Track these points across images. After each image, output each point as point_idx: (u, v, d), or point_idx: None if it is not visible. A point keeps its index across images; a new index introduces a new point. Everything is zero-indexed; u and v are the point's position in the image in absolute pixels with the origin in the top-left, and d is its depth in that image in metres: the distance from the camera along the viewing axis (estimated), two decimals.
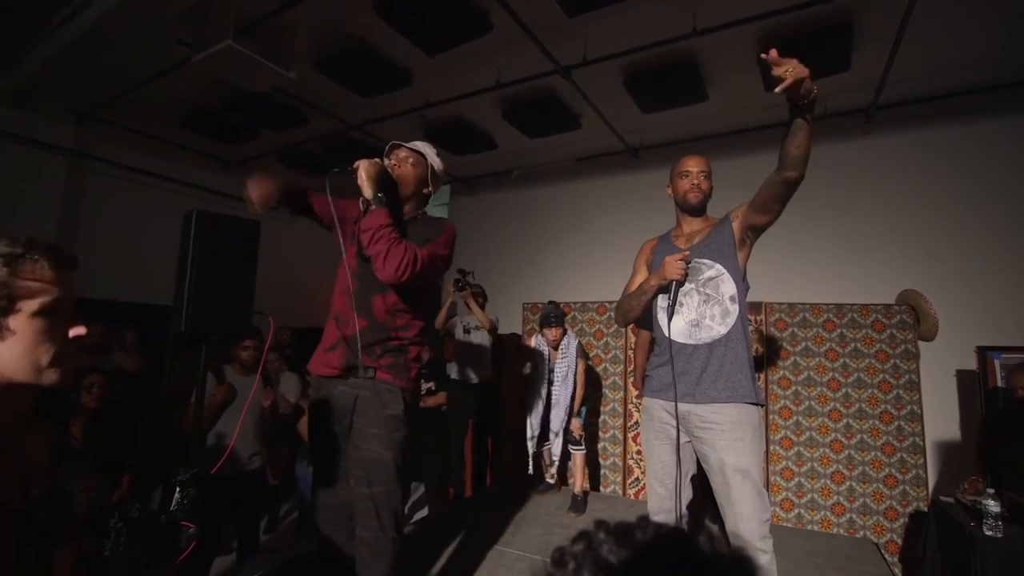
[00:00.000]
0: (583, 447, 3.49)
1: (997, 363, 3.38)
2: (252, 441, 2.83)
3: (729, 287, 1.83)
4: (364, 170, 1.63)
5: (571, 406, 3.46)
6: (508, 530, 2.97)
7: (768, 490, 3.54)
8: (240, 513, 2.85)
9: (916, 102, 3.64)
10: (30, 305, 0.75)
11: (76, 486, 2.52)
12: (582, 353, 3.54)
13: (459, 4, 2.82)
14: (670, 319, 1.88)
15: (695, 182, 1.94)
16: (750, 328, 1.99)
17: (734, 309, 1.82)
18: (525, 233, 5.61)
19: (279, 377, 3.34)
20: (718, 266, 1.85)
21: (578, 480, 3.46)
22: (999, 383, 3.33)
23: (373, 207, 1.64)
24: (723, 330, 1.81)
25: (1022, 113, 3.62)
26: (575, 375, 3.46)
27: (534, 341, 3.68)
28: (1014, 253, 3.60)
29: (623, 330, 4.23)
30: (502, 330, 4.38)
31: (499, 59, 3.36)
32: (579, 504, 3.33)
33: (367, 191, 1.64)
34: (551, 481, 3.68)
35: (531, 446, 3.57)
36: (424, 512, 4.09)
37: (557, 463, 3.53)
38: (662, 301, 1.93)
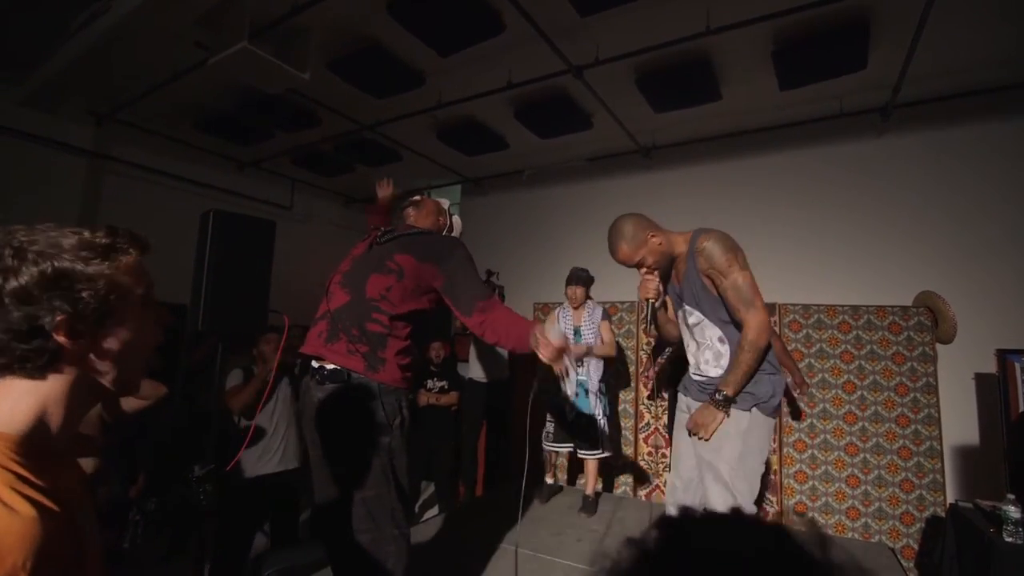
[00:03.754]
0: (600, 451, 3.37)
1: (1017, 366, 3.30)
2: (288, 439, 2.88)
3: (713, 331, 1.86)
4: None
5: (604, 369, 3.36)
6: (518, 530, 2.96)
7: (780, 493, 3.50)
8: (276, 514, 2.89)
9: (933, 101, 3.58)
10: (132, 299, 0.69)
11: (98, 479, 2.57)
12: (606, 316, 3.45)
13: (472, 4, 2.83)
14: (648, 331, 2.03)
15: (646, 277, 1.91)
16: None
17: (725, 350, 1.85)
18: (536, 233, 5.60)
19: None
20: (697, 313, 1.88)
21: (590, 483, 3.41)
22: (1020, 386, 3.26)
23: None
24: (717, 372, 1.86)
25: None
26: (600, 334, 3.35)
27: (557, 312, 3.59)
28: None
29: (634, 331, 4.22)
30: None
31: (511, 59, 3.36)
32: (590, 505, 3.31)
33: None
34: (550, 482, 3.62)
35: (545, 443, 3.51)
36: (435, 511, 4.10)
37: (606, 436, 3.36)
38: (690, 318, 1.93)
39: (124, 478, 2.89)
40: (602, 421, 3.33)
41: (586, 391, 3.34)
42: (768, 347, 1.76)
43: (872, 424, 3.38)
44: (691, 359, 1.98)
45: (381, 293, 1.70)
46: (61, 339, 0.62)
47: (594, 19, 2.93)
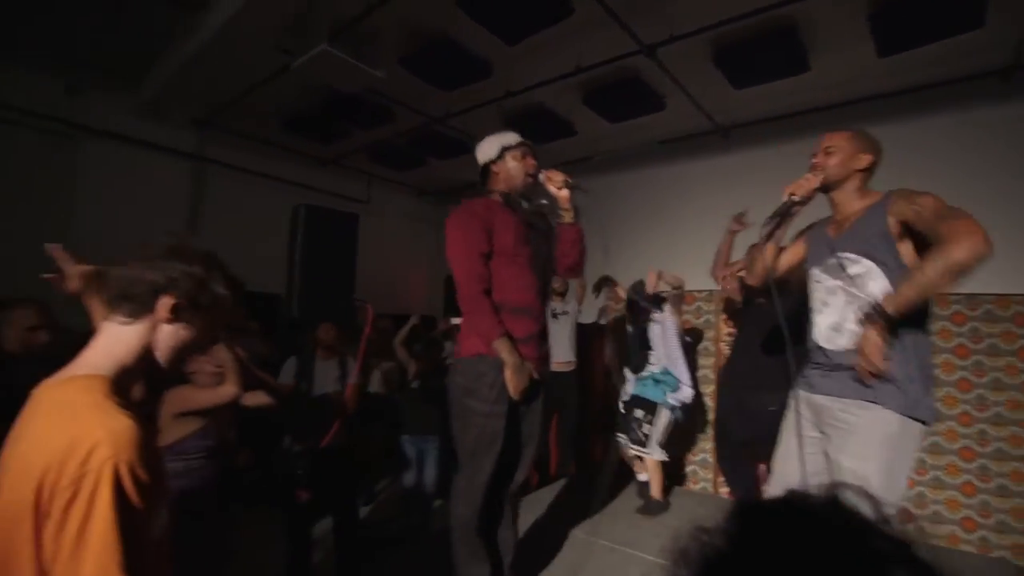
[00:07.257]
0: (649, 451, 3.18)
1: None
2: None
3: (879, 284, 1.55)
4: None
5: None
6: (594, 519, 2.94)
7: None
8: (329, 485, 3.09)
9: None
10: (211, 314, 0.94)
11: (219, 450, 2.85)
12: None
13: None
14: (769, 238, 1.77)
15: (814, 161, 1.71)
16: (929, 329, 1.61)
17: None
18: (607, 221, 5.46)
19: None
20: (865, 261, 1.59)
21: (653, 483, 3.27)
22: None
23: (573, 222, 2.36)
24: None
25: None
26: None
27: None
28: None
29: (713, 321, 4.03)
30: (585, 319, 4.33)
31: (580, 43, 3.28)
32: (653, 507, 3.19)
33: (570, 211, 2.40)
34: (641, 478, 3.51)
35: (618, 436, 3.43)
36: None
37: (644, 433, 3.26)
38: (852, 268, 1.62)
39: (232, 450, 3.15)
40: (663, 415, 3.23)
41: (653, 380, 3.29)
42: (964, 272, 1.37)
43: (993, 427, 3.02)
44: (824, 326, 1.66)
45: None
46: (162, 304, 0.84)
47: None
